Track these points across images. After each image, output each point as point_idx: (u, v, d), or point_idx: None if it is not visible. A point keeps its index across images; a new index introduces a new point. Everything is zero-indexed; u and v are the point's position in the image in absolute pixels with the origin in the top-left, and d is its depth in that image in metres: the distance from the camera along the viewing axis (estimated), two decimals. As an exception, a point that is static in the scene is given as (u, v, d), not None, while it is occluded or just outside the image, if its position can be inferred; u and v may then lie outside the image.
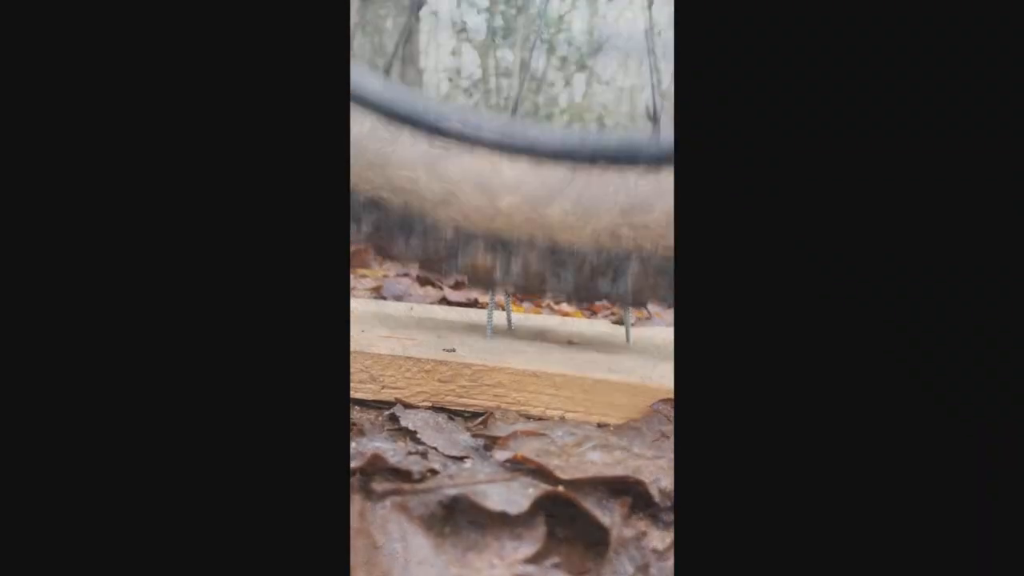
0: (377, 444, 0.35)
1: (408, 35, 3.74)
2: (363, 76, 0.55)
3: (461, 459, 0.35)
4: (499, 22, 4.31)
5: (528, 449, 0.34)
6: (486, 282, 0.53)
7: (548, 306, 1.03)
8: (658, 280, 0.50)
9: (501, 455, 0.34)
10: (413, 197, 0.51)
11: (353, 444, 0.34)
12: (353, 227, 0.53)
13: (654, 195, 0.48)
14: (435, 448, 0.36)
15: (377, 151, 0.51)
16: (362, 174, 0.52)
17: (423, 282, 1.19)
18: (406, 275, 1.24)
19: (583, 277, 0.50)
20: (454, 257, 0.52)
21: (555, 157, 0.50)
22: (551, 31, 4.19)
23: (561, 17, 4.35)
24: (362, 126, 0.52)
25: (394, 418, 0.41)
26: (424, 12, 3.88)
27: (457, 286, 1.16)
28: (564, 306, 1.04)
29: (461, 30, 4.53)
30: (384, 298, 1.03)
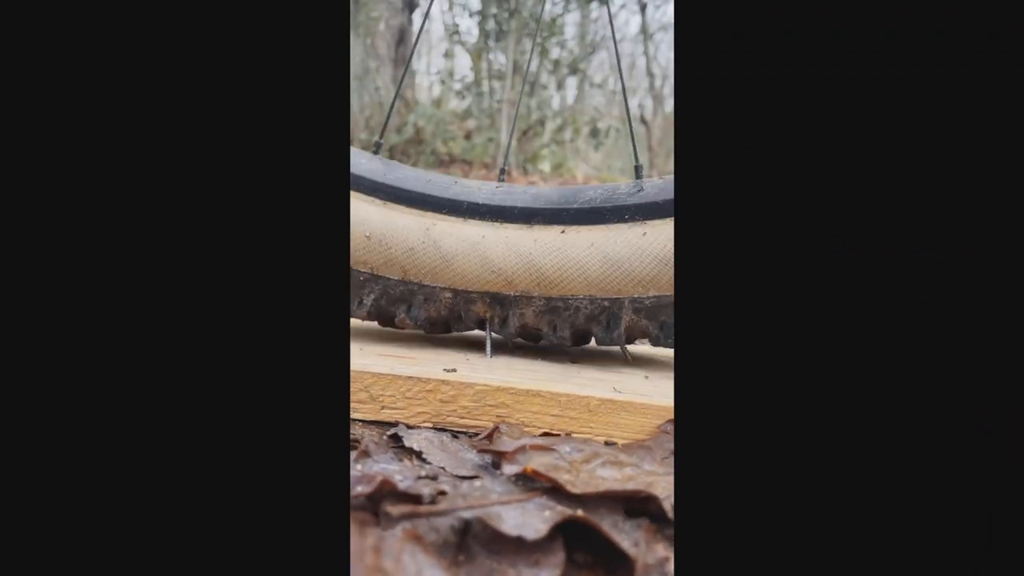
0: (383, 466, 0.34)
1: (401, 37, 3.74)
2: (357, 159, 0.57)
3: (471, 479, 0.35)
4: (491, 25, 4.32)
5: (537, 463, 0.34)
6: (485, 332, 0.55)
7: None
8: (649, 323, 0.52)
9: (510, 469, 0.34)
10: (411, 267, 0.53)
11: (359, 466, 0.34)
12: (353, 304, 0.54)
13: (641, 245, 0.50)
14: (443, 468, 0.36)
15: (374, 228, 0.53)
16: (360, 251, 0.54)
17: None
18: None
19: (578, 326, 0.52)
20: (458, 318, 0.54)
21: (544, 220, 0.52)
22: (544, 35, 4.20)
23: (554, 20, 4.35)
24: (359, 206, 0.54)
25: (397, 438, 0.40)
26: (416, 14, 3.87)
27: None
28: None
29: (454, 33, 4.53)
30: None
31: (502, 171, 0.62)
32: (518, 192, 0.56)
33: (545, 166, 4.28)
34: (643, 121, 2.95)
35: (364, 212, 0.54)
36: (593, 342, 0.55)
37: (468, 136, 4.07)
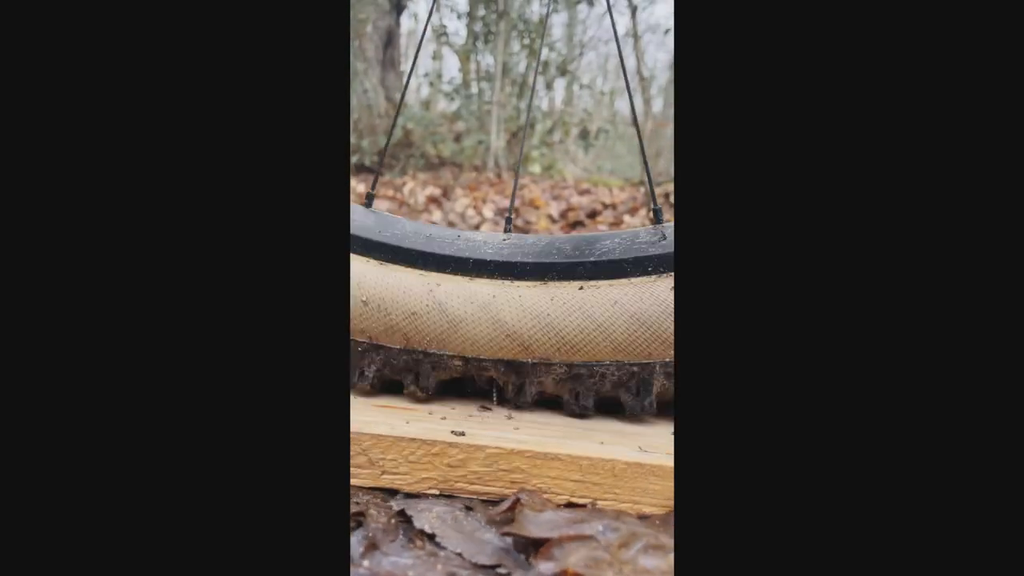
0: (393, 559, 0.30)
1: (389, 39, 3.69)
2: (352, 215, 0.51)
3: (493, 568, 0.31)
4: (480, 27, 4.28)
5: (576, 559, 0.30)
6: (502, 402, 0.50)
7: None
8: None
9: (547, 568, 0.30)
10: (414, 334, 0.47)
11: (366, 563, 0.30)
12: (353, 376, 0.49)
13: (670, 301, 0.45)
14: (459, 554, 0.32)
15: (372, 292, 0.48)
16: (357, 319, 0.48)
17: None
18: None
19: (604, 393, 0.47)
20: (472, 381, 0.48)
21: (559, 275, 0.47)
22: (533, 35, 4.16)
23: (542, 21, 4.32)
24: (352, 267, 0.49)
25: (404, 514, 0.36)
26: (405, 16, 3.82)
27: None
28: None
29: (441, 34, 4.49)
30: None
31: (508, 220, 0.57)
32: (528, 243, 0.50)
33: (535, 168, 4.25)
34: (635, 123, 2.92)
35: (359, 274, 0.48)
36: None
37: (458, 138, 4.03)
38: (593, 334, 0.46)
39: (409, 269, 0.48)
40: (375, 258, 0.49)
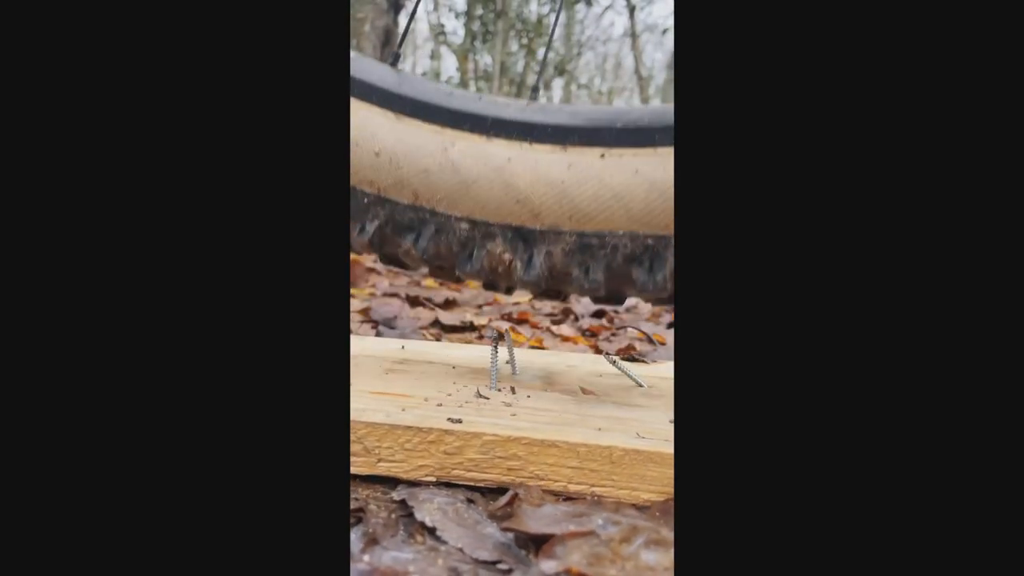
0: (394, 554, 0.30)
1: (387, 38, 3.68)
2: (370, 67, 0.50)
3: (494, 564, 0.30)
4: (477, 26, 4.27)
5: (578, 556, 0.29)
6: (505, 281, 0.48)
7: (548, 330, 0.99)
8: None
9: (549, 566, 0.29)
10: (424, 191, 0.46)
11: (367, 558, 0.29)
12: (354, 231, 0.47)
13: None
14: (460, 549, 0.31)
15: (385, 144, 0.46)
16: (367, 169, 0.47)
17: (413, 303, 1.13)
18: (395, 295, 1.19)
19: (615, 267, 0.45)
20: (469, 256, 0.47)
21: (582, 139, 0.45)
22: (530, 35, 4.15)
23: (540, 20, 4.32)
24: (369, 119, 0.47)
25: (405, 505, 0.35)
26: (403, 16, 3.82)
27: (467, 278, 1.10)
28: (564, 329, 0.99)
29: (439, 33, 4.48)
30: (374, 322, 0.97)
31: (535, 89, 0.53)
32: (552, 109, 0.48)
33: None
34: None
35: (374, 125, 0.47)
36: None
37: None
38: (609, 202, 0.44)
39: (426, 125, 0.47)
40: (392, 110, 0.47)
